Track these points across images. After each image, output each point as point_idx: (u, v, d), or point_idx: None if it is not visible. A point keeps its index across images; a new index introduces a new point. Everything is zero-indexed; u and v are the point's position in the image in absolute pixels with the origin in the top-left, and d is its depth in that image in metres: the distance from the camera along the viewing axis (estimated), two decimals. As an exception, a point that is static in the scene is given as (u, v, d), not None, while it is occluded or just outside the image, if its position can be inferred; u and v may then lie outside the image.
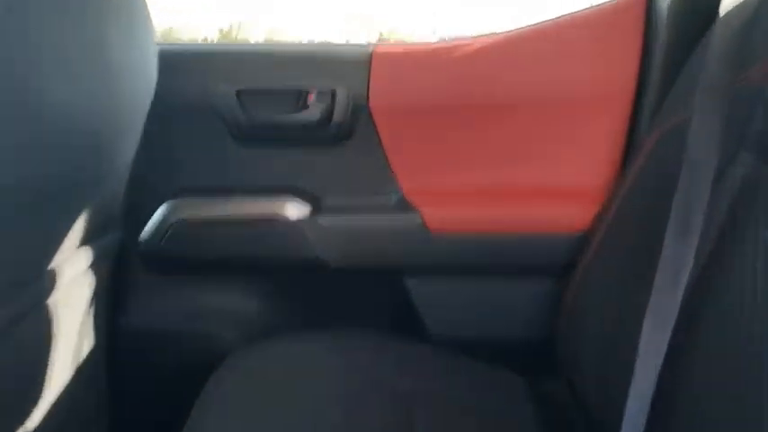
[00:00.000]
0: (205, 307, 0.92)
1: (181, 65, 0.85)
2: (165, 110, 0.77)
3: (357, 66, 0.84)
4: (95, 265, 0.74)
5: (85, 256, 0.72)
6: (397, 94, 0.84)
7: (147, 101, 0.70)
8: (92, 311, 0.77)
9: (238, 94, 0.84)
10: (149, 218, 0.86)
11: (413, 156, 0.86)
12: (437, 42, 0.88)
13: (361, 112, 0.84)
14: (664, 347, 0.48)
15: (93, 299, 0.76)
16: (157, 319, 0.91)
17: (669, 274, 0.49)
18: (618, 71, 0.81)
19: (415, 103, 0.84)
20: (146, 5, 0.67)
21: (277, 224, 0.85)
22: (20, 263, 0.59)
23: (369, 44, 0.86)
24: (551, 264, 0.83)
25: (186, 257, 0.87)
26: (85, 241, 0.70)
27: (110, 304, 0.85)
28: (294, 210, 0.84)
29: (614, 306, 0.63)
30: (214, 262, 0.88)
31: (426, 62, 0.84)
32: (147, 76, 0.69)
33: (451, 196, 0.85)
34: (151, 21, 0.69)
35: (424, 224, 0.83)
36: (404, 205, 0.85)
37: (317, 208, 0.86)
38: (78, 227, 0.65)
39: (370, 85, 0.83)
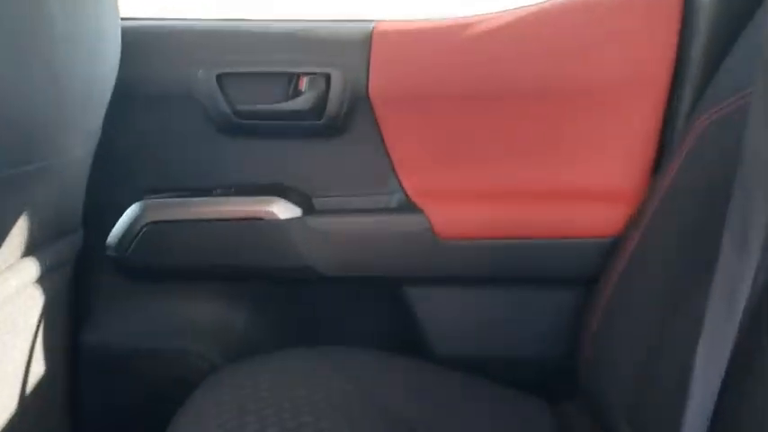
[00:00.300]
0: (181, 320, 0.87)
1: (152, 44, 0.80)
2: (133, 96, 0.74)
3: (355, 46, 0.79)
4: (49, 274, 0.68)
5: (35, 264, 0.66)
6: (401, 80, 0.80)
7: (106, 84, 0.66)
8: (46, 327, 0.71)
9: (219, 78, 0.79)
10: (117, 219, 0.81)
11: (418, 150, 0.82)
12: (449, 18, 0.82)
13: (359, 99, 0.79)
14: (719, 380, 0.45)
15: (46, 312, 0.71)
16: (127, 335, 0.86)
17: (725, 294, 0.45)
18: (654, 55, 0.75)
19: (421, 90, 0.80)
20: None
21: (263, 227, 0.80)
22: None
23: (369, 21, 0.80)
24: (576, 275, 0.79)
25: (159, 264, 0.82)
26: (34, 247, 0.64)
27: (70, 318, 0.79)
28: (282, 210, 0.80)
29: (652, 325, 0.59)
30: (191, 269, 0.83)
31: (436, 42, 0.79)
32: (107, 56, 0.64)
33: (462, 197, 0.81)
34: None
35: (431, 228, 0.79)
36: (407, 207, 0.81)
37: (308, 208, 0.82)
38: (20, 231, 0.60)
39: (371, 69, 0.79)
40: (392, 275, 0.82)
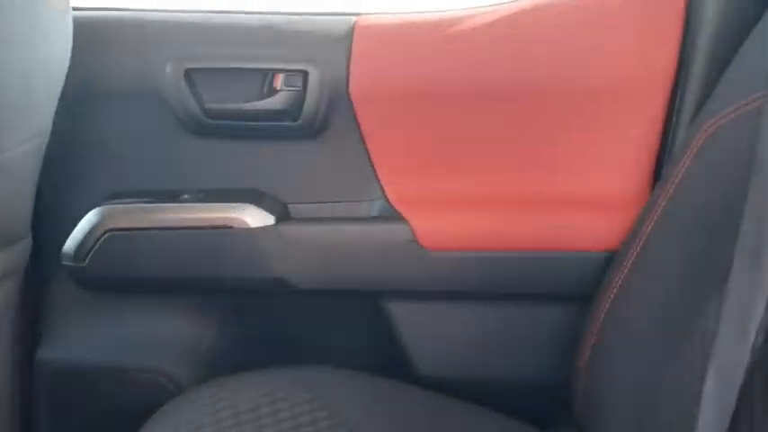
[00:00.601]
0: (144, 336, 0.83)
1: (114, 36, 0.77)
2: (92, 93, 0.73)
3: (335, 41, 0.76)
4: None
5: None
6: (384, 78, 0.77)
7: (53, 79, 0.62)
8: None
9: (188, 73, 0.76)
10: (75, 227, 0.78)
11: (402, 154, 0.79)
12: (438, 12, 0.79)
13: (338, 99, 0.77)
14: (731, 409, 0.43)
15: None
16: (86, 350, 0.83)
17: (736, 316, 0.43)
18: (655, 57, 0.73)
19: (406, 89, 0.77)
20: None
21: (233, 236, 0.77)
22: None
23: (349, 14, 0.77)
24: (570, 290, 0.76)
25: (120, 275, 0.79)
26: None
27: (23, 333, 0.77)
28: (254, 218, 0.77)
29: (653, 349, 0.56)
30: (155, 281, 0.80)
31: (423, 38, 0.76)
32: (52, 49, 0.61)
33: (448, 206, 0.78)
34: None
35: (414, 239, 0.76)
36: (390, 215, 0.78)
37: (282, 216, 0.79)
38: None
39: (351, 66, 0.76)
40: (373, 289, 0.79)
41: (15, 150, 0.59)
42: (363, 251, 0.77)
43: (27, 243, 0.72)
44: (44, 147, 0.66)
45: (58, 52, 0.62)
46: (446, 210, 0.77)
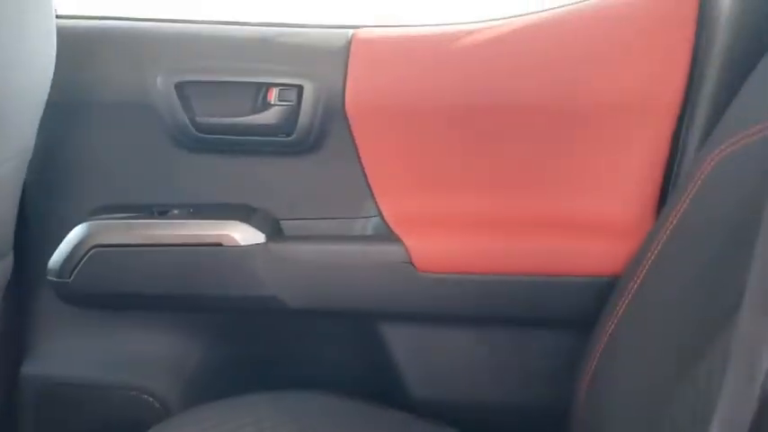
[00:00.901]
0: (131, 354, 0.81)
1: (101, 46, 0.76)
2: (77, 104, 0.72)
3: (331, 55, 0.75)
4: None
5: None
6: (381, 92, 0.76)
7: (36, 92, 0.60)
8: None
9: (179, 86, 0.75)
10: (61, 242, 0.76)
11: (399, 172, 0.77)
12: (436, 26, 0.77)
13: (334, 113, 0.75)
14: None
15: None
16: (71, 367, 0.81)
17: (744, 359, 0.40)
18: (664, 76, 0.71)
19: (404, 105, 0.75)
20: None
21: (224, 253, 0.75)
22: None
23: (346, 27, 0.76)
24: (570, 316, 0.74)
25: (105, 292, 0.77)
26: None
27: (8, 348, 0.76)
28: (244, 235, 0.75)
29: (656, 377, 0.54)
30: (141, 299, 0.78)
31: (422, 51, 0.75)
32: (35, 60, 0.59)
33: (445, 226, 0.76)
34: None
35: (409, 260, 0.73)
36: (384, 234, 0.76)
37: (274, 233, 0.77)
38: None
39: (347, 80, 0.74)
40: (366, 310, 0.77)
41: (5, 166, 0.58)
42: (356, 271, 0.75)
43: (7, 262, 0.70)
44: (25, 165, 0.64)
45: (40, 64, 0.60)
46: (443, 230, 0.76)
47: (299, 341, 0.84)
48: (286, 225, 0.79)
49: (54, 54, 0.62)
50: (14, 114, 0.58)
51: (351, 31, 0.75)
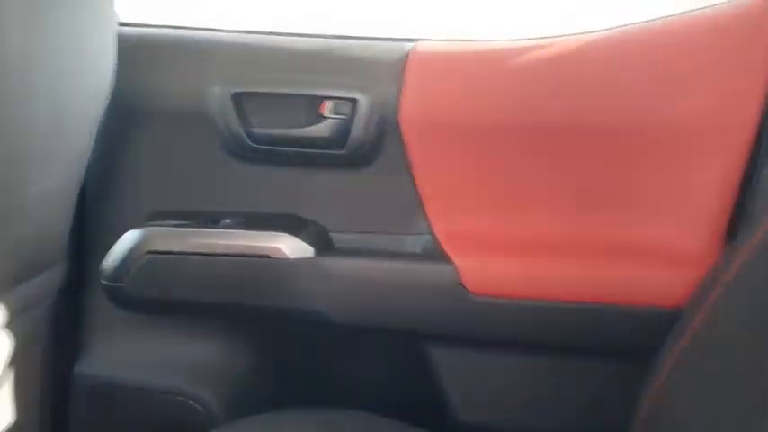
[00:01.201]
0: (177, 358, 0.81)
1: (161, 54, 0.77)
2: (135, 111, 0.71)
3: (387, 68, 0.74)
4: (20, 315, 0.63)
5: (8, 303, 0.61)
6: (438, 107, 0.74)
7: (95, 103, 0.60)
8: (28, 362, 0.68)
9: (235, 97, 0.75)
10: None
11: (453, 189, 0.76)
12: (497, 41, 0.75)
13: (388, 128, 0.74)
14: None
15: (24, 349, 0.66)
16: (119, 368, 0.82)
17: None
18: (738, 95, 0.67)
19: (461, 120, 0.74)
20: None
21: (272, 264, 0.74)
22: None
23: (404, 40, 0.74)
24: (628, 347, 0.71)
25: (156, 297, 0.77)
26: (6, 286, 0.59)
27: (55, 350, 0.76)
28: (295, 247, 0.74)
29: (716, 418, 0.51)
30: (192, 305, 0.78)
31: (480, 68, 0.73)
32: (97, 71, 0.59)
33: (499, 248, 0.74)
34: None
35: (460, 281, 0.71)
36: (435, 253, 0.74)
37: (323, 245, 0.76)
38: None
39: (403, 94, 0.73)
40: (412, 329, 0.75)
41: (45, 182, 0.58)
42: (405, 289, 0.74)
43: (61, 266, 0.72)
44: (82, 172, 0.65)
45: (99, 80, 0.61)
46: (496, 252, 0.73)
47: (342, 356, 0.83)
48: (335, 237, 0.78)
49: (114, 62, 0.63)
50: (74, 121, 0.59)
51: (407, 45, 0.74)
